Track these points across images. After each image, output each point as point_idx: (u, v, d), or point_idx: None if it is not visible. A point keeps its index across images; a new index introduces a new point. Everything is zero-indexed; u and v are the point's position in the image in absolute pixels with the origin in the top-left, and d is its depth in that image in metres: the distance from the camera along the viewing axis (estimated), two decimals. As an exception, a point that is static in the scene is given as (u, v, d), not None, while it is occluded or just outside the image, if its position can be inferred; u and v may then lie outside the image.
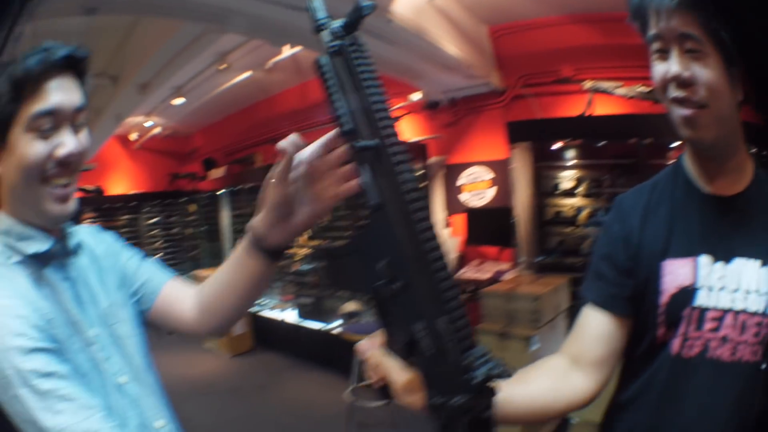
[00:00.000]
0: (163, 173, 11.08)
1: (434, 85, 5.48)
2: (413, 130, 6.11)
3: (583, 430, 3.32)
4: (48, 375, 0.93)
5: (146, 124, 9.20)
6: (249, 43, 5.89)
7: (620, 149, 4.57)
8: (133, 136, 10.21)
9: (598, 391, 1.19)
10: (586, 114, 4.46)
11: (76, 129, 1.07)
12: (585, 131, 4.50)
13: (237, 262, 1.18)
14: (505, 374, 0.70)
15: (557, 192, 4.91)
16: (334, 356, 6.22)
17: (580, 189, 4.79)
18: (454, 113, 5.63)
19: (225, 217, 9.61)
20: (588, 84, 4.42)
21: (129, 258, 1.40)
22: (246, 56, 6.49)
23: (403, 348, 0.80)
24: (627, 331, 1.19)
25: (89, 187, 9.97)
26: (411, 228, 0.71)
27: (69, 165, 1.05)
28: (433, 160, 5.80)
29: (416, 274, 0.72)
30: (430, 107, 5.79)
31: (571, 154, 4.86)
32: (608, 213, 1.26)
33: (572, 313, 4.39)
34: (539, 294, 3.85)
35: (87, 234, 1.33)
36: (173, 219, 11.12)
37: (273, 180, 1.00)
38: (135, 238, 10.33)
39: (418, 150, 5.79)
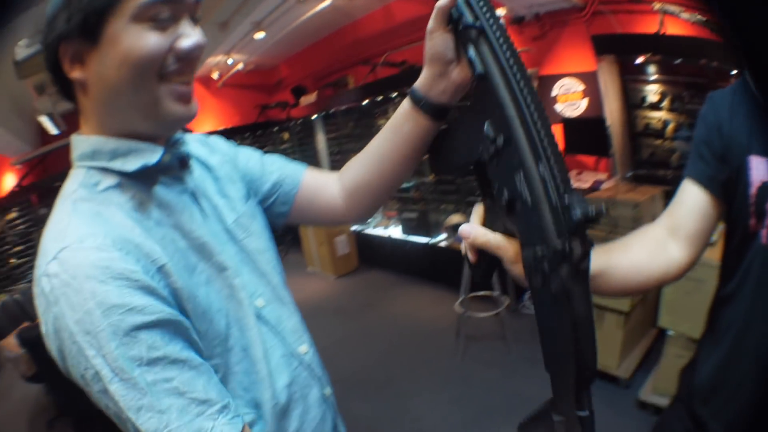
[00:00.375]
0: (250, 107, 11.28)
1: (518, 1, 5.57)
2: (504, 45, 6.18)
3: (679, 342, 3.45)
4: (152, 362, 0.80)
5: (228, 61, 9.38)
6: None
7: (692, 70, 4.64)
8: (215, 76, 10.42)
9: (690, 265, 1.26)
10: (660, 33, 4.53)
11: (194, 22, 0.98)
12: (662, 48, 4.57)
13: (393, 130, 1.15)
14: (601, 215, 0.71)
15: (644, 105, 5.01)
16: (441, 270, 6.47)
17: (665, 103, 4.87)
18: (540, 27, 5.72)
19: (320, 141, 9.90)
20: (657, 5, 4.45)
21: (249, 159, 1.33)
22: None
23: (505, 207, 0.80)
24: (719, 214, 1.28)
25: (176, 129, 10.30)
26: (512, 89, 0.76)
27: (191, 61, 0.96)
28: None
29: (517, 127, 0.75)
30: (516, 22, 5.87)
31: (652, 69, 4.94)
32: (703, 106, 1.32)
33: None
34: (639, 201, 3.94)
35: (195, 143, 1.26)
36: (267, 148, 11.40)
37: (429, 30, 1.02)
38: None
39: None
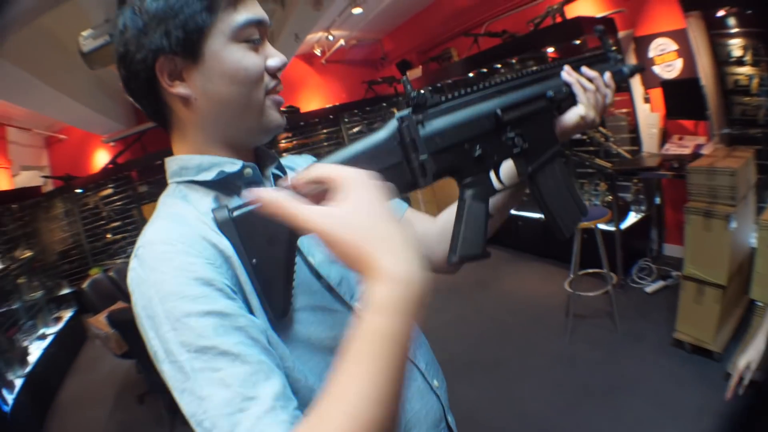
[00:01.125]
0: (356, 83, 11.50)
1: None
2: (598, 7, 6.33)
3: (765, 311, 3.47)
4: (201, 350, 0.81)
5: (329, 37, 9.61)
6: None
7: (762, 17, 4.61)
8: (318, 52, 10.69)
9: None
10: None
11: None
12: None
13: None
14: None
15: (731, 60, 4.97)
16: (553, 245, 6.58)
17: (747, 57, 4.82)
18: None
19: (431, 115, 9.84)
20: None
21: None
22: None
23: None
24: None
25: (282, 108, 10.56)
26: None
27: (278, 77, 1.11)
28: (622, 34, 5.92)
29: None
30: None
31: (732, 21, 4.89)
32: None
33: (760, 188, 4.58)
34: (735, 168, 4.00)
35: (300, 160, 1.42)
36: (376, 125, 11.46)
37: None
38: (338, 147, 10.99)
39: (607, 25, 5.97)
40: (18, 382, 5.85)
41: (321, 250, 1.02)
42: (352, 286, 1.15)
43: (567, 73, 1.27)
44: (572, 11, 6.31)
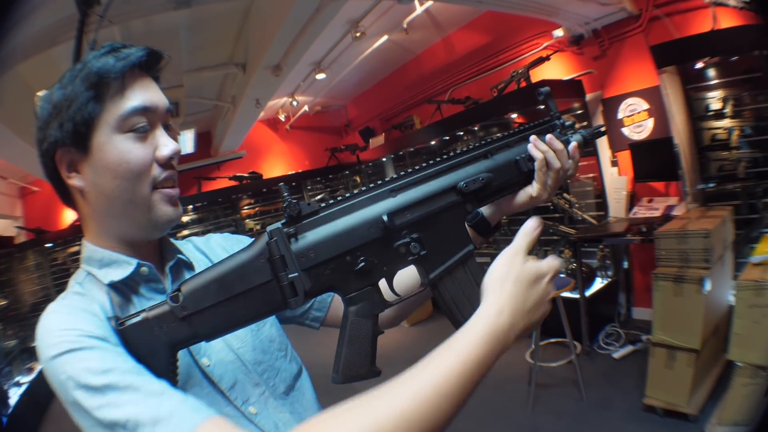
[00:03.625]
0: (320, 150, 11.49)
1: (572, 19, 5.64)
2: (565, 69, 6.25)
3: (747, 371, 3.38)
4: (104, 371, 0.85)
5: (293, 103, 9.60)
6: (378, 6, 5.99)
7: (746, 63, 4.56)
8: (282, 117, 10.71)
9: None
10: (715, 28, 4.50)
11: (168, 130, 1.10)
12: (719, 47, 4.51)
13: None
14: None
15: (709, 114, 4.89)
16: None
17: (727, 109, 4.74)
18: (600, 45, 5.75)
19: (392, 183, 9.82)
20: None
21: None
22: (379, 20, 6.65)
23: None
24: None
25: (244, 174, 10.49)
26: None
27: (172, 166, 1.09)
28: (590, 96, 5.86)
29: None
30: (574, 42, 5.93)
31: (712, 73, 4.84)
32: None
33: (737, 247, 4.44)
34: (710, 230, 3.84)
35: (219, 241, 1.39)
36: (339, 193, 11.50)
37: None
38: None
39: (574, 87, 5.95)
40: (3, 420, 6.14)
41: (217, 353, 1.13)
42: (246, 391, 1.13)
43: (533, 146, 1.16)
44: (538, 75, 6.20)
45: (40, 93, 1.12)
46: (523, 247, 0.99)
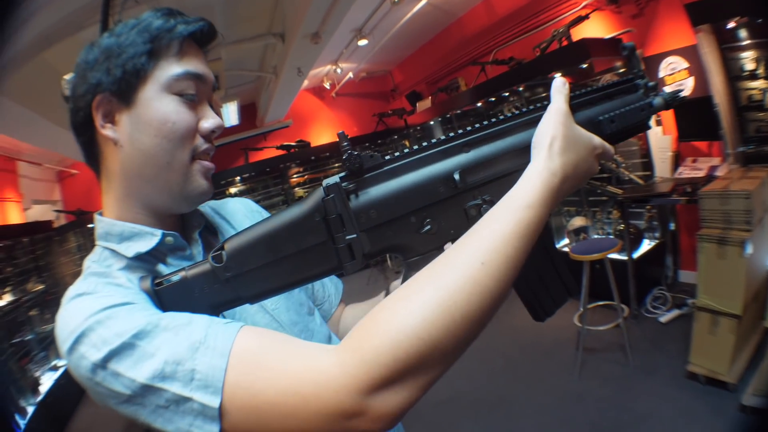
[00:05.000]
0: (367, 116, 11.55)
1: None
2: (605, 28, 6.16)
3: None
4: (127, 331, 0.80)
5: (337, 70, 9.62)
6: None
7: None
8: (327, 86, 10.73)
9: None
10: None
11: (212, 106, 1.08)
12: (747, 7, 4.41)
13: None
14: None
15: (744, 75, 4.77)
16: None
17: (760, 70, 4.61)
18: (637, 3, 5.65)
19: (442, 146, 9.83)
20: None
21: None
22: (417, -16, 6.58)
23: None
24: None
25: (291, 143, 10.59)
26: None
27: (212, 141, 1.07)
28: (632, 54, 5.69)
29: None
30: (612, 1, 5.83)
31: (743, 33, 4.69)
32: None
33: None
34: (750, 191, 3.79)
35: (239, 206, 1.37)
36: (389, 156, 11.57)
37: None
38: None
39: (615, 46, 5.82)
40: (30, 410, 6.02)
41: (252, 315, 1.13)
42: None
43: None
44: (578, 34, 6.12)
45: (67, 76, 1.08)
46: (566, 107, 0.93)
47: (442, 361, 0.75)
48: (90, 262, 1.02)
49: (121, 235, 1.02)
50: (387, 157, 0.90)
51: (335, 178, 0.87)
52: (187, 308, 0.86)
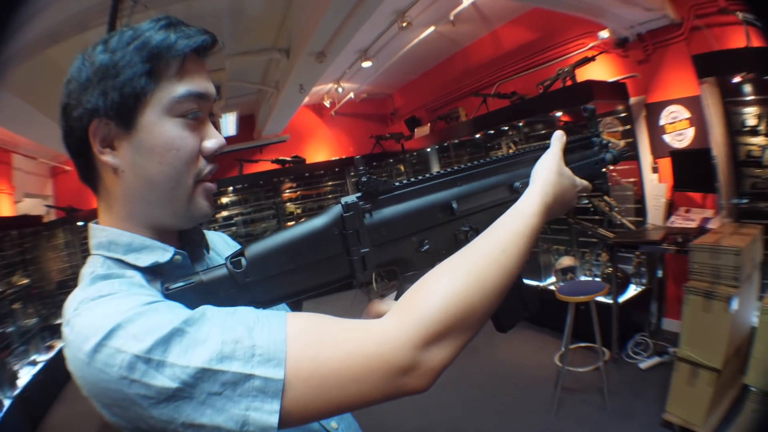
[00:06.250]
0: (364, 137, 11.56)
1: (617, 21, 5.61)
2: (610, 71, 6.21)
3: (758, 397, 3.43)
4: (168, 323, 0.77)
5: (338, 89, 9.63)
6: (424, -3, 5.98)
7: None
8: (327, 104, 10.75)
9: None
10: (749, 45, 4.45)
11: (211, 117, 1.05)
12: (753, 63, 4.43)
13: None
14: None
15: (744, 129, 4.80)
16: (549, 314, 6.28)
17: (762, 127, 4.64)
18: (644, 49, 5.69)
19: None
20: (740, 15, 4.28)
21: None
22: (426, 11, 6.71)
23: None
24: None
25: (287, 158, 10.60)
26: None
27: (214, 160, 1.04)
28: (634, 99, 5.80)
29: None
30: (620, 45, 5.88)
31: (748, 88, 4.73)
32: None
33: (764, 268, 4.38)
34: (741, 248, 3.81)
35: (217, 238, 1.36)
36: (384, 178, 11.51)
37: None
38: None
39: (619, 90, 5.91)
40: (6, 403, 5.94)
41: None
42: None
43: None
44: (583, 75, 6.17)
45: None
46: (561, 152, 1.20)
47: (476, 323, 0.89)
48: (91, 268, 0.96)
49: (128, 246, 0.98)
50: (396, 183, 1.00)
51: (353, 198, 0.95)
52: None
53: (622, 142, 5.87)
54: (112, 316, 0.78)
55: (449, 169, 1.09)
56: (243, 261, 0.89)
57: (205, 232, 1.31)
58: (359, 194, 0.96)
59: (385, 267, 1.02)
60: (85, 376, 0.78)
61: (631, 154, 5.84)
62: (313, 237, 0.92)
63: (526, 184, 1.14)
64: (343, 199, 0.94)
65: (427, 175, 1.05)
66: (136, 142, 0.94)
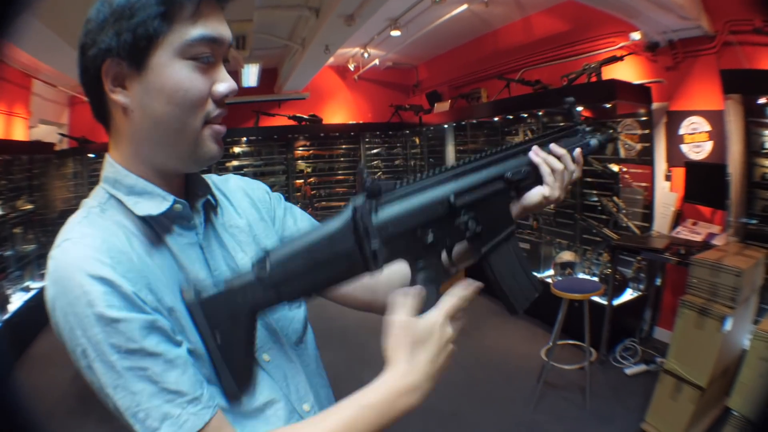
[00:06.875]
0: (384, 105, 11.45)
1: (651, 24, 5.51)
2: (637, 73, 6.11)
3: (736, 421, 3.44)
4: (130, 352, 0.87)
5: (364, 55, 9.56)
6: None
7: None
8: (351, 67, 10.66)
9: None
10: None
11: (225, 63, 1.06)
12: None
13: None
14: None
15: (763, 151, 4.73)
16: (543, 306, 6.27)
17: None
18: (674, 56, 5.59)
19: (450, 151, 9.92)
20: None
21: (297, 222, 1.40)
22: (461, -12, 6.55)
23: None
24: None
25: (304, 116, 10.54)
26: None
27: (224, 104, 1.05)
28: (656, 105, 5.74)
29: None
30: (650, 49, 5.77)
31: None
32: None
33: (763, 292, 4.34)
34: (743, 269, 3.78)
35: (238, 185, 1.36)
36: (395, 151, 11.59)
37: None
38: (353, 168, 11.14)
39: (643, 93, 5.84)
40: None
41: None
42: (261, 337, 1.15)
43: (534, 153, 1.27)
44: (609, 73, 6.11)
45: None
46: (407, 318, 1.03)
47: None
48: (95, 202, 1.04)
49: (131, 188, 1.03)
50: (398, 185, 1.06)
51: (361, 199, 1.01)
52: (231, 314, 0.98)
53: (638, 146, 5.83)
54: (82, 277, 0.88)
55: (445, 167, 1.14)
56: (267, 265, 0.98)
57: (228, 176, 1.39)
58: (364, 195, 1.01)
59: (393, 259, 1.07)
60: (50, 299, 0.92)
61: (646, 159, 5.82)
62: (329, 237, 1.00)
63: (516, 173, 1.23)
64: (352, 201, 1.01)
65: (425, 174, 1.11)
66: (146, 83, 0.95)
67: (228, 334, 0.98)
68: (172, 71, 0.95)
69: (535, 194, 1.28)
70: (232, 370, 0.99)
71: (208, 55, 0.98)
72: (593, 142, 1.42)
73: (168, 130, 0.99)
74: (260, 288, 0.97)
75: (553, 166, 1.27)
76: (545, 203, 1.29)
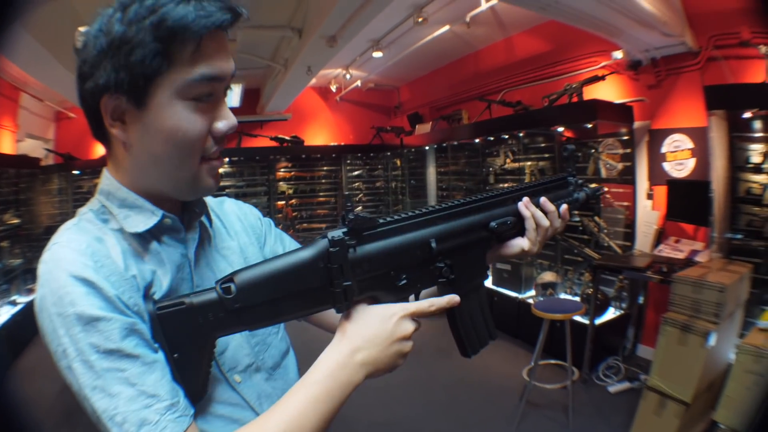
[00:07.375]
0: (366, 127, 11.52)
1: (633, 43, 5.53)
2: (618, 92, 6.14)
3: None
4: (108, 352, 0.86)
5: (346, 76, 9.58)
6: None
7: None
8: (333, 88, 10.70)
9: None
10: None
11: (225, 93, 1.04)
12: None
13: None
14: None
15: (748, 166, 4.72)
16: (524, 327, 6.33)
17: (766, 165, 4.58)
18: (656, 74, 5.62)
19: (431, 173, 9.95)
20: (763, 49, 4.22)
21: (274, 243, 1.40)
22: (443, 9, 6.66)
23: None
24: None
25: (286, 137, 10.52)
26: None
27: (223, 140, 1.04)
28: (638, 124, 5.78)
29: None
30: (632, 67, 5.82)
31: (758, 125, 4.66)
32: None
33: (748, 306, 4.33)
34: (726, 285, 3.77)
35: (233, 208, 1.37)
36: (377, 173, 11.56)
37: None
38: (335, 190, 11.09)
39: (624, 112, 5.86)
40: None
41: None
42: (235, 359, 1.14)
43: (524, 207, 1.28)
44: (591, 93, 6.12)
45: (82, 28, 1.01)
46: (407, 312, 1.06)
47: None
48: (89, 211, 1.05)
49: (123, 201, 1.03)
50: (380, 221, 1.05)
51: (340, 233, 0.99)
52: (188, 333, 0.94)
53: (619, 165, 5.85)
54: (70, 292, 0.88)
55: (430, 208, 1.13)
56: (233, 287, 0.94)
57: (223, 199, 1.39)
58: (345, 230, 1.00)
59: (362, 298, 1.05)
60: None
61: (627, 178, 5.84)
62: (300, 268, 0.97)
63: (502, 224, 1.23)
64: (330, 234, 0.99)
65: (410, 213, 1.10)
66: (145, 121, 0.94)
67: (184, 350, 0.95)
68: (173, 113, 0.94)
69: (514, 246, 1.30)
70: (186, 386, 0.95)
71: (209, 94, 0.97)
72: (581, 196, 1.45)
73: (167, 167, 0.99)
74: (223, 311, 0.94)
75: (540, 222, 1.29)
76: (521, 255, 1.31)
